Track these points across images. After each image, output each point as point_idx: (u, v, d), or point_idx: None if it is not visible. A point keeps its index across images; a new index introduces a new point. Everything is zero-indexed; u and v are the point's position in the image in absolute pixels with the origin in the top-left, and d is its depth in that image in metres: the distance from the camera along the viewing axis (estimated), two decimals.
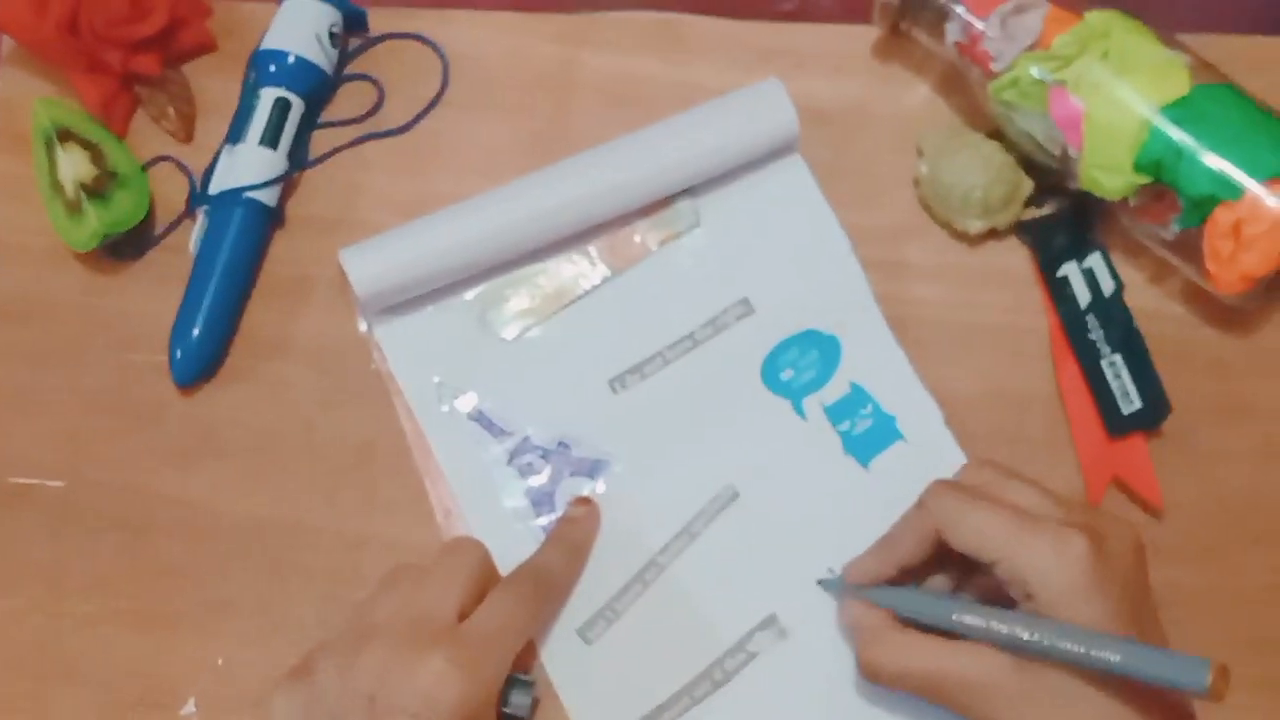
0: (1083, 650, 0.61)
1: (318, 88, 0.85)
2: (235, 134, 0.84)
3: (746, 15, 0.88)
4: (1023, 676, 0.64)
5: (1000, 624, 0.64)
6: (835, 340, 0.81)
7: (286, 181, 0.84)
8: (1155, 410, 0.79)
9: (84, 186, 0.81)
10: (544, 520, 0.78)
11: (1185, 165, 0.74)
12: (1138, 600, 0.65)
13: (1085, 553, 0.63)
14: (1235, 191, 0.74)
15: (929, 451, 0.79)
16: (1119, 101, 0.76)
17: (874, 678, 0.70)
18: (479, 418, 0.80)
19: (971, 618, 0.66)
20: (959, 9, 0.80)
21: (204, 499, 0.80)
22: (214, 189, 0.83)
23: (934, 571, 0.72)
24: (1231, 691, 0.59)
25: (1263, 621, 0.74)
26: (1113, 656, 0.60)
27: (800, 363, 0.81)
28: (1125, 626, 0.63)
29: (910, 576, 0.72)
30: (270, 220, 0.83)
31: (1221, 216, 0.74)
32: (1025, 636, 0.63)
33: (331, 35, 0.85)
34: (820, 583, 0.76)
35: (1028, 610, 0.65)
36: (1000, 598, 0.67)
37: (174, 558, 0.79)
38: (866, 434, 0.80)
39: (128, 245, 0.84)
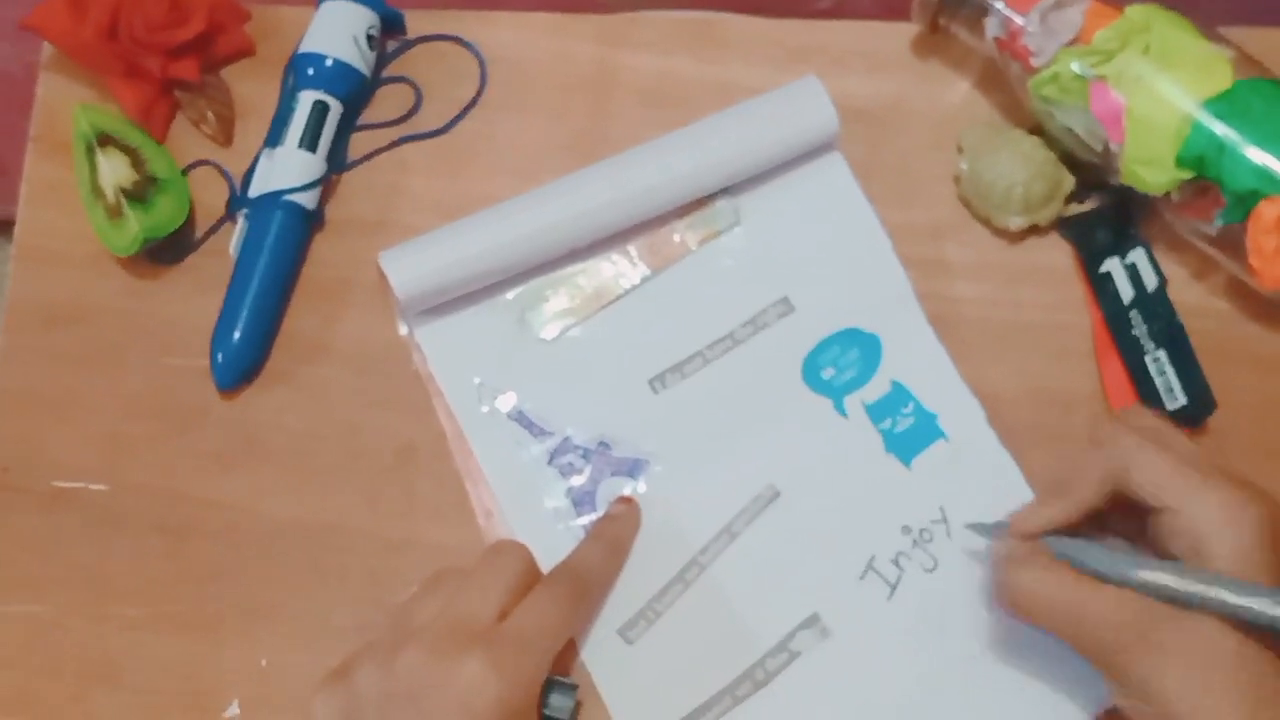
0: (1263, 608, 0.61)
1: (356, 90, 0.85)
2: (274, 137, 0.84)
3: (783, 14, 0.88)
4: (1175, 626, 0.63)
5: (1176, 578, 0.63)
6: (876, 338, 0.81)
7: (326, 184, 0.84)
8: (1200, 407, 0.78)
9: (124, 191, 0.81)
10: (585, 520, 0.78)
11: (1228, 160, 0.74)
12: None
13: (1262, 518, 0.63)
14: (1279, 186, 0.73)
15: (971, 450, 0.79)
16: (1161, 96, 0.75)
17: (1012, 601, 0.68)
18: (519, 418, 0.80)
19: (1146, 572, 0.64)
20: (998, 4, 0.80)
21: (245, 502, 0.80)
22: (253, 192, 0.83)
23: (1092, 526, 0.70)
24: None
25: None
26: None
27: (841, 361, 0.80)
28: None
29: (1082, 525, 0.69)
30: (310, 223, 0.84)
31: (1265, 211, 0.74)
32: (1213, 594, 0.62)
33: (369, 38, 0.85)
34: (970, 526, 0.75)
35: (1190, 564, 0.64)
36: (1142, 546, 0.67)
37: (216, 561, 0.79)
38: (908, 432, 0.79)
39: (168, 249, 0.84)
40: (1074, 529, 0.69)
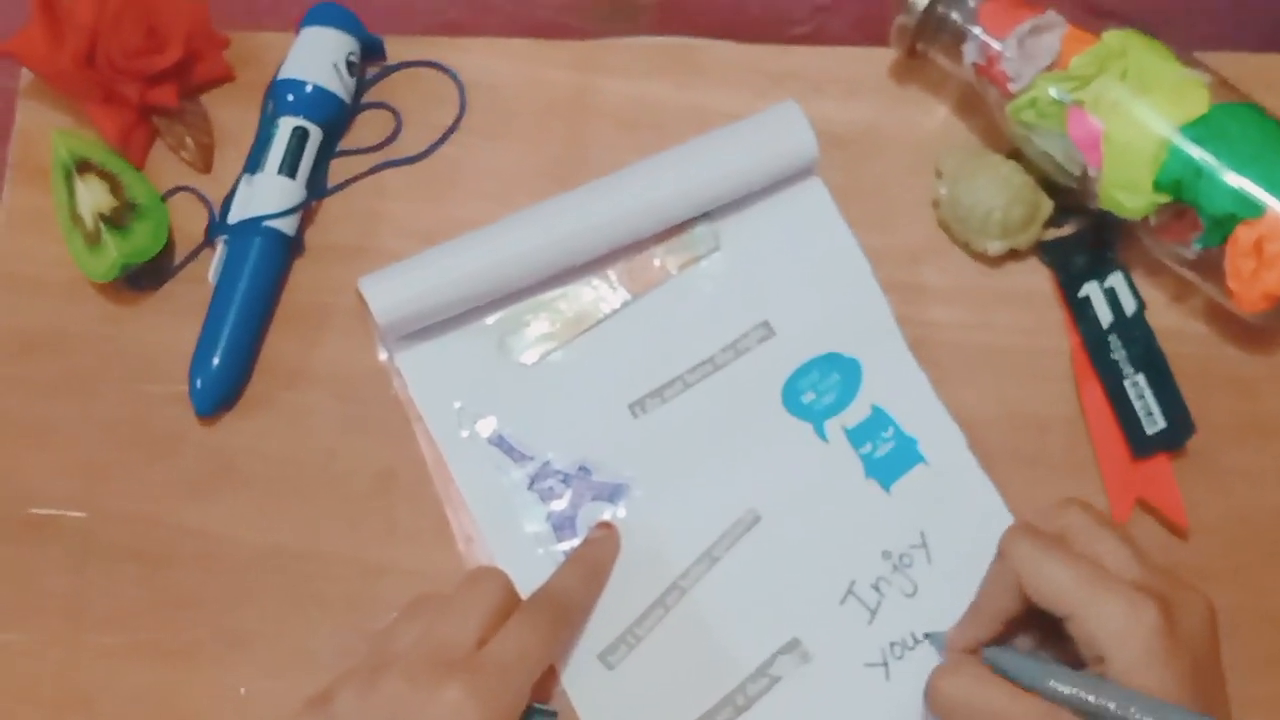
0: None
1: (336, 116, 0.85)
2: (253, 163, 0.84)
3: (762, 39, 0.88)
4: None
5: (1089, 694, 0.63)
6: (856, 363, 0.81)
7: (305, 210, 0.84)
8: (1179, 430, 0.78)
9: (103, 217, 0.81)
10: (565, 545, 0.78)
11: (1205, 184, 0.74)
12: (1207, 673, 0.65)
13: (1157, 621, 0.63)
14: (1256, 210, 0.74)
15: (951, 474, 0.79)
16: (1138, 121, 0.76)
17: (938, 704, 0.69)
18: (499, 443, 0.80)
19: (1062, 685, 0.64)
20: (976, 30, 0.80)
21: (224, 529, 0.80)
22: (233, 218, 0.83)
23: (1024, 627, 0.71)
24: (1257, 711, 0.59)
25: None
26: None
27: (821, 385, 0.80)
28: (1192, 699, 0.62)
29: (1012, 629, 0.71)
30: (289, 249, 0.83)
31: (1243, 235, 0.74)
32: (1110, 708, 0.62)
33: (349, 64, 0.85)
34: (928, 636, 0.76)
35: (1097, 671, 0.64)
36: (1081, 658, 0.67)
37: (194, 588, 0.79)
38: (888, 457, 0.79)
39: (147, 276, 0.84)
40: (1007, 635, 0.71)
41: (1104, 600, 0.64)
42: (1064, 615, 0.65)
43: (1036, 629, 0.71)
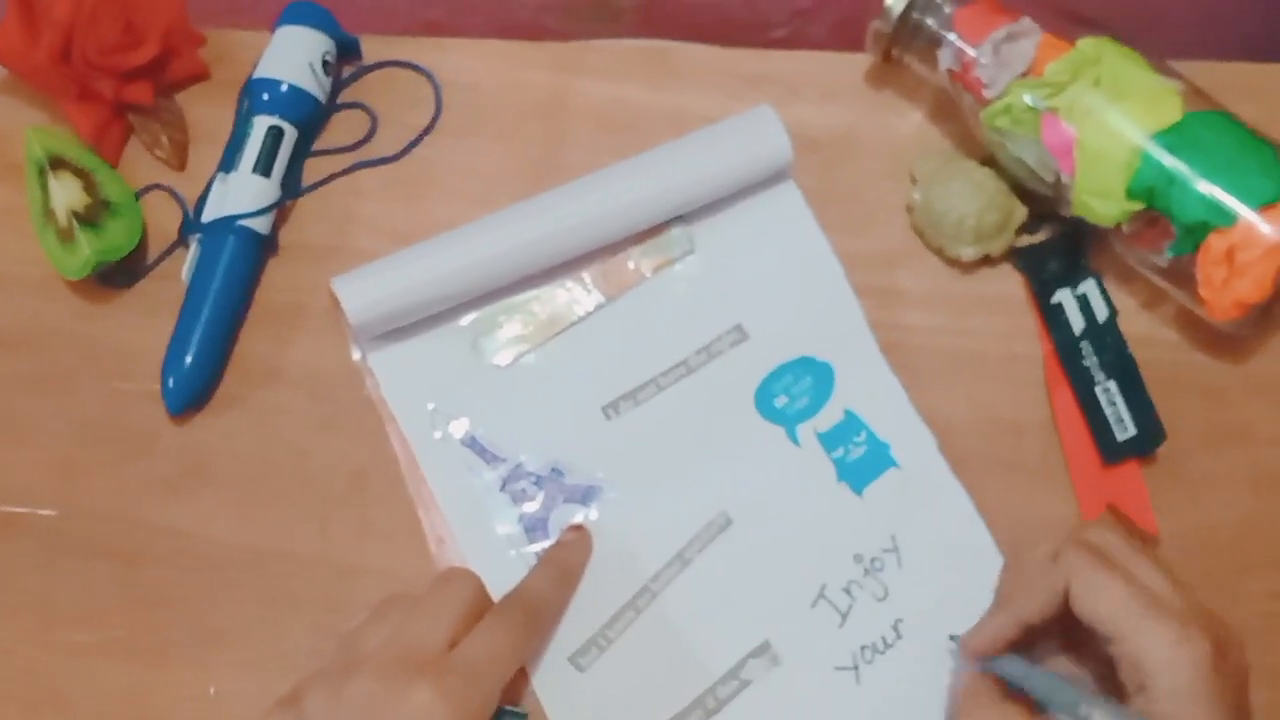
0: None
1: (311, 116, 0.85)
2: (228, 162, 0.84)
3: (738, 43, 0.88)
4: None
5: None
6: (829, 367, 0.81)
7: (279, 209, 0.84)
8: (1149, 437, 0.79)
9: (77, 215, 0.81)
10: (537, 547, 0.78)
11: (1178, 192, 0.74)
12: (1242, 713, 0.64)
13: (1207, 655, 0.62)
14: (1228, 218, 0.74)
15: (922, 479, 0.79)
16: (1111, 128, 0.76)
17: None
18: (472, 444, 0.79)
19: (1099, 714, 0.64)
20: (951, 36, 0.80)
21: (196, 528, 0.80)
22: (207, 217, 0.83)
23: (1041, 636, 0.71)
24: None
25: (1258, 648, 0.73)
26: None
27: (794, 389, 0.80)
28: None
29: (1031, 636, 0.70)
30: (263, 248, 0.83)
31: (1214, 243, 0.74)
32: None
33: (325, 63, 0.85)
34: (952, 639, 0.75)
35: (1136, 700, 0.64)
36: (1096, 669, 0.66)
37: (165, 587, 0.79)
38: (860, 461, 0.79)
39: (120, 274, 0.84)
40: (1023, 641, 0.69)
41: (1156, 627, 0.63)
42: (1112, 636, 0.65)
43: (1053, 643, 0.71)
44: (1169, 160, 0.75)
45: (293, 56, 0.84)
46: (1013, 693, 0.68)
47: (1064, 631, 0.70)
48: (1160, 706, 0.62)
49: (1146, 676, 0.63)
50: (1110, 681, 0.66)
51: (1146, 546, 0.69)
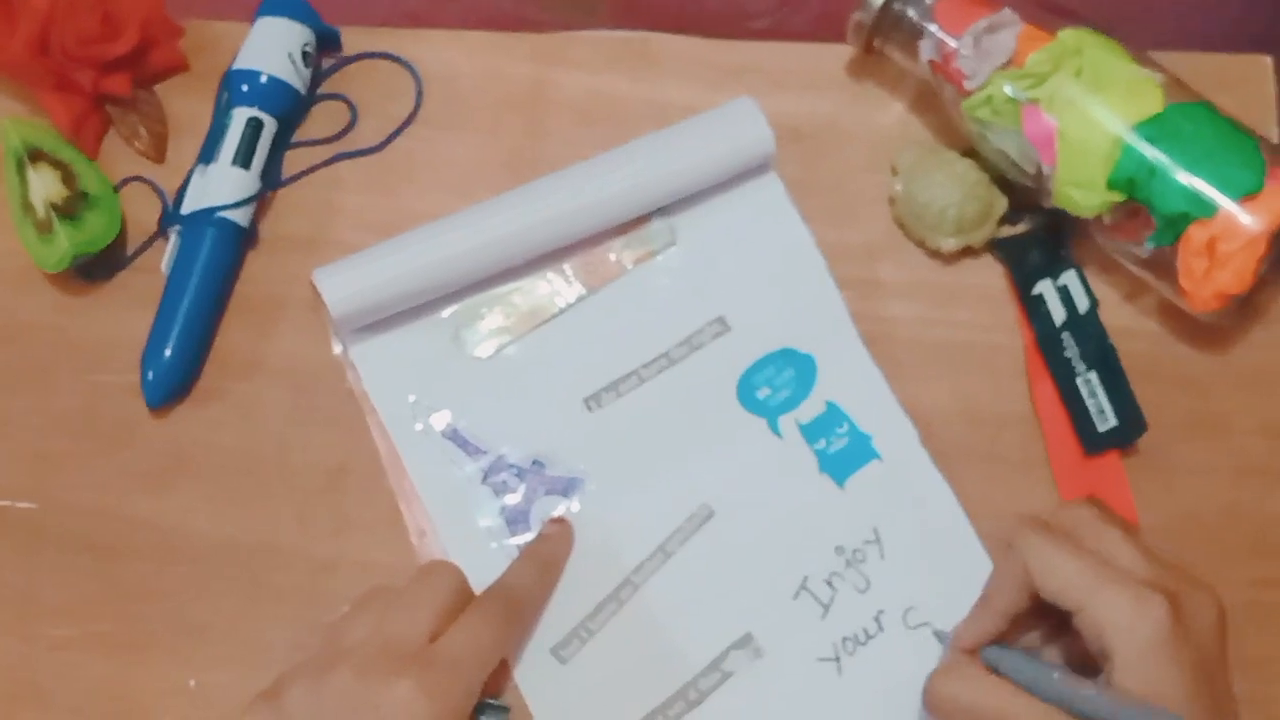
0: None
1: (291, 107, 0.85)
2: (207, 154, 0.83)
3: (719, 34, 0.88)
4: None
5: (1090, 698, 0.63)
6: (811, 359, 0.81)
7: (259, 201, 0.84)
8: (1130, 428, 0.79)
9: (55, 207, 0.81)
10: (519, 539, 0.78)
11: (1158, 183, 0.74)
12: (1213, 671, 0.64)
13: (1164, 616, 0.62)
14: (1209, 209, 0.74)
15: (904, 470, 0.79)
16: (1092, 119, 0.76)
17: (936, 705, 0.68)
18: (453, 436, 0.79)
19: (1062, 687, 0.64)
20: (932, 27, 0.80)
21: (176, 521, 0.79)
22: (186, 209, 0.82)
23: (1029, 624, 0.71)
24: None
25: (1239, 638, 0.73)
26: None
27: (776, 381, 0.80)
28: (1197, 697, 0.62)
29: (1018, 626, 0.70)
30: (243, 240, 0.83)
31: (1195, 234, 0.74)
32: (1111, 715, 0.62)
33: (304, 55, 0.85)
34: (936, 634, 0.76)
35: (1105, 670, 0.64)
36: (1087, 655, 0.66)
37: (146, 580, 0.78)
38: (842, 453, 0.79)
39: (99, 266, 0.83)
40: (1013, 632, 0.70)
41: (1111, 594, 0.64)
42: (1071, 609, 0.65)
43: (1043, 629, 0.71)
44: (1150, 151, 0.75)
45: (272, 48, 0.84)
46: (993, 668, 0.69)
47: (1052, 616, 0.70)
48: (1126, 673, 0.63)
49: (1108, 644, 0.63)
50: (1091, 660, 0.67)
51: (1125, 522, 0.69)
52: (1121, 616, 0.63)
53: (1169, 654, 0.62)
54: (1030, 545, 0.67)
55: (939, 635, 0.76)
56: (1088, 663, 0.66)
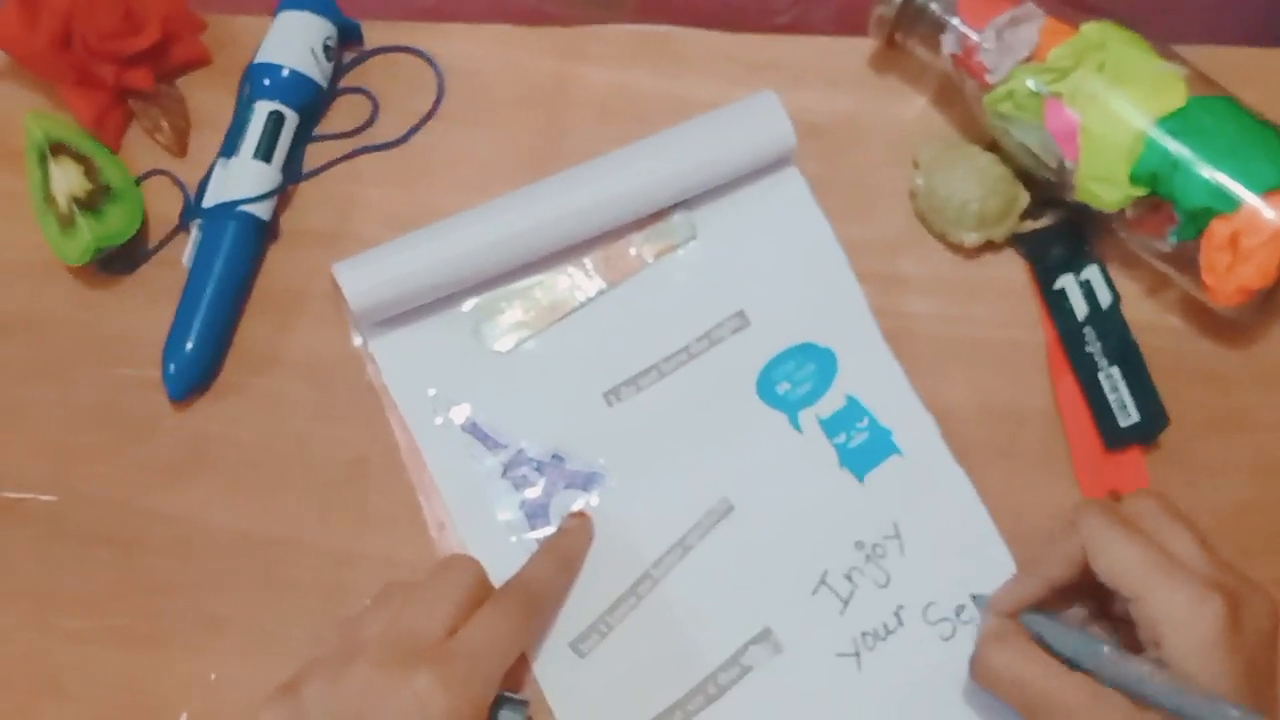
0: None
1: (312, 101, 0.85)
2: (229, 147, 0.83)
3: (740, 28, 0.88)
4: None
5: (1142, 676, 0.64)
6: (831, 353, 0.81)
7: (280, 195, 0.84)
8: (1152, 423, 0.78)
9: (77, 200, 0.81)
10: (538, 533, 0.78)
11: (1182, 177, 0.74)
12: (1262, 674, 0.65)
13: (1221, 614, 0.63)
14: (1232, 204, 0.74)
15: (925, 465, 0.79)
16: (1115, 114, 0.76)
17: (983, 676, 0.69)
18: (473, 430, 0.79)
19: (1114, 665, 0.65)
20: (955, 21, 0.80)
21: (195, 514, 0.80)
22: (208, 202, 0.82)
23: (1073, 599, 0.72)
24: None
25: None
26: None
27: (796, 376, 0.80)
28: (1243, 698, 0.62)
29: (1058, 598, 0.71)
30: (264, 234, 0.83)
31: (1218, 229, 0.74)
32: (1161, 692, 0.62)
33: (326, 48, 0.85)
34: (974, 598, 0.76)
35: (1152, 656, 0.64)
36: (1128, 635, 0.67)
37: (165, 573, 0.79)
38: (862, 447, 0.79)
39: (121, 259, 0.83)
40: (1051, 604, 0.70)
41: (1171, 586, 0.64)
42: (1129, 595, 0.65)
43: (1082, 604, 0.72)
44: (1173, 146, 0.74)
45: (294, 41, 0.84)
46: (1037, 639, 0.69)
47: (1094, 597, 0.71)
48: (1175, 666, 0.63)
49: (1162, 635, 0.64)
50: (1136, 647, 0.67)
51: (1189, 518, 0.69)
52: (1179, 610, 0.63)
53: (1221, 653, 0.63)
54: (1094, 527, 0.68)
55: (976, 599, 0.76)
56: (1130, 648, 0.66)
